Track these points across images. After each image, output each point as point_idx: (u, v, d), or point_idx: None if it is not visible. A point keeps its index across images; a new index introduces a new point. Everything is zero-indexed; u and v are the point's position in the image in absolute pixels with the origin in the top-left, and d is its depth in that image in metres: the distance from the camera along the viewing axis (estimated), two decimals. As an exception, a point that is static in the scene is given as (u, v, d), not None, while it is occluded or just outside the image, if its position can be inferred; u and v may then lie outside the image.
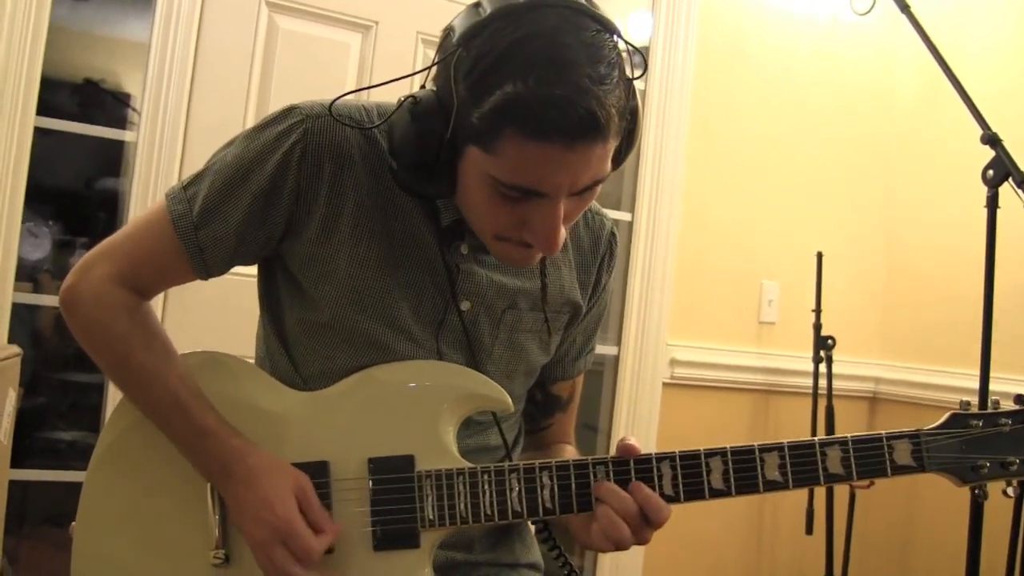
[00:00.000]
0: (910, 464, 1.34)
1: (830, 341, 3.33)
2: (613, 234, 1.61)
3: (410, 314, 1.42)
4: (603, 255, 1.59)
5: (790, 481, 1.33)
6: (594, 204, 1.57)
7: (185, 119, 2.76)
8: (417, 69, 2.96)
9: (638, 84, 1.29)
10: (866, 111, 3.77)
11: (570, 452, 1.64)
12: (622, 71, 1.22)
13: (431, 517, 1.34)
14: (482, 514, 1.34)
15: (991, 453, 1.34)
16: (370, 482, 1.36)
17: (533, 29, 1.17)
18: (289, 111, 1.39)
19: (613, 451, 1.35)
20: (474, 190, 1.27)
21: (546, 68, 1.14)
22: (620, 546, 1.32)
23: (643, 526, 1.31)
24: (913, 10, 2.52)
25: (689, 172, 3.42)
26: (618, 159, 1.30)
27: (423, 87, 1.31)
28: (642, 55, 1.27)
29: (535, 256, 1.31)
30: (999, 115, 2.36)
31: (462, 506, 1.34)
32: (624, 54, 1.24)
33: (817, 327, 3.36)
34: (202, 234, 1.40)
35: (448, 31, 1.26)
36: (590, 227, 1.57)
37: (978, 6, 3.55)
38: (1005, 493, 1.39)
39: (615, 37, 1.22)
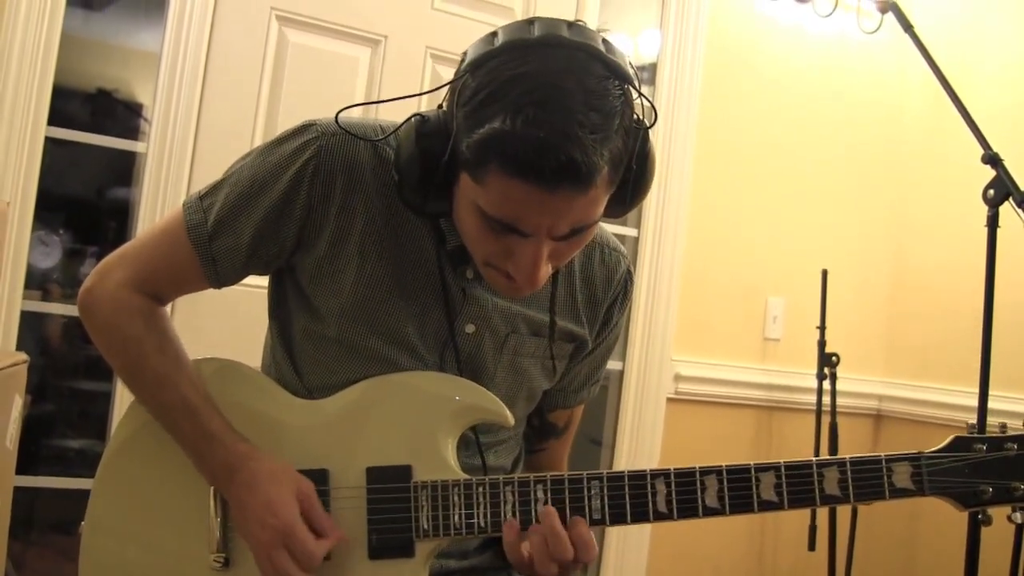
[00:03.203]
0: (909, 488, 1.31)
1: (834, 358, 3.33)
2: (629, 273, 1.59)
3: (415, 334, 1.43)
4: (616, 294, 1.58)
5: (785, 502, 1.32)
6: (612, 240, 1.58)
7: (195, 130, 2.78)
8: (425, 84, 3.01)
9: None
10: (873, 129, 3.78)
11: None
12: (627, 120, 1.21)
13: (426, 527, 1.35)
14: (476, 526, 1.34)
15: (994, 478, 1.30)
16: (367, 491, 1.37)
17: (536, 68, 1.18)
18: (306, 127, 1.40)
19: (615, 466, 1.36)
20: (465, 215, 1.28)
21: (536, 109, 1.14)
22: None
23: (572, 565, 1.31)
24: (918, 29, 2.53)
25: (695, 188, 3.43)
26: (622, 206, 1.31)
27: (440, 107, 1.32)
28: (654, 107, 1.27)
29: (519, 289, 1.30)
30: (1004, 134, 2.37)
31: (456, 517, 1.35)
32: (636, 102, 1.23)
33: (821, 344, 3.36)
34: (216, 245, 1.42)
35: (463, 55, 1.27)
36: (605, 263, 1.56)
37: (984, 26, 3.57)
38: (1010, 519, 1.35)
39: (626, 85, 1.22)
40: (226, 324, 2.60)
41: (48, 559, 2.96)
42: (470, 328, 1.45)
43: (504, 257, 1.27)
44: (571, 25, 1.23)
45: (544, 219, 1.21)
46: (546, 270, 1.27)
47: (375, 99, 2.96)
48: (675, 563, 3.42)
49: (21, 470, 2.03)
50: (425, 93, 1.45)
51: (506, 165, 1.16)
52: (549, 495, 1.33)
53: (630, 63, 1.25)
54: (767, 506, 1.32)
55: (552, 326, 1.48)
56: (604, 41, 1.24)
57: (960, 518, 2.13)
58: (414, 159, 1.28)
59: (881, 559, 3.57)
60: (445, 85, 1.30)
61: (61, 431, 3.09)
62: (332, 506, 1.38)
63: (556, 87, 1.16)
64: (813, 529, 3.32)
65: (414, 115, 1.31)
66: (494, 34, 1.24)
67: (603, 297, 1.56)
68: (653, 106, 1.27)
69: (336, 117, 1.38)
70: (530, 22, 1.24)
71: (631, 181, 1.28)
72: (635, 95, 1.24)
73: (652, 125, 1.27)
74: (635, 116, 1.25)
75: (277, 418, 1.44)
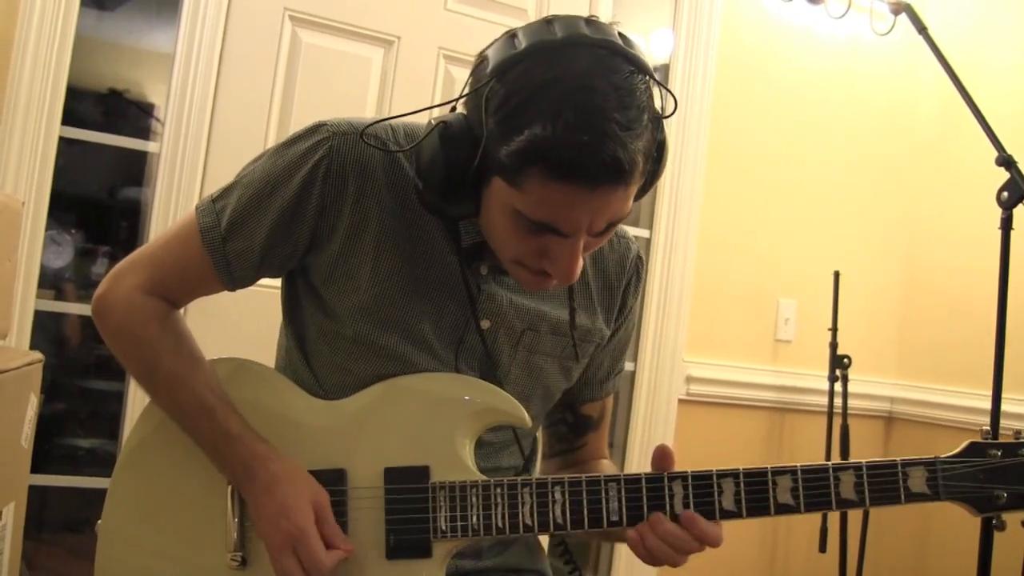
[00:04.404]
0: (924, 492, 1.31)
1: (846, 360, 3.32)
2: (639, 257, 1.61)
3: (431, 330, 1.43)
4: (628, 279, 1.59)
5: (802, 505, 1.33)
6: (620, 227, 1.58)
7: (208, 130, 2.79)
8: (438, 85, 3.02)
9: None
10: (885, 131, 3.77)
11: (606, 466, 1.65)
12: (652, 112, 1.23)
13: (443, 528, 1.35)
14: (494, 527, 1.35)
15: (1009, 484, 1.30)
16: (384, 491, 1.37)
17: (566, 70, 1.19)
18: (317, 128, 1.40)
19: (635, 464, 1.36)
20: (496, 217, 1.29)
21: (574, 113, 1.16)
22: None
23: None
24: (932, 31, 2.53)
25: (707, 189, 3.43)
26: (641, 192, 1.32)
27: (453, 110, 1.32)
28: (674, 96, 1.28)
29: (550, 284, 1.32)
30: (1018, 136, 2.36)
31: (474, 518, 1.35)
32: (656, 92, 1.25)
33: (833, 346, 3.36)
34: (229, 247, 1.42)
35: (482, 59, 1.27)
36: (615, 250, 1.57)
37: (998, 28, 3.56)
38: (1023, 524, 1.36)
39: (648, 78, 1.23)
40: (236, 325, 2.60)
41: (59, 557, 2.97)
42: (485, 324, 1.45)
43: (537, 256, 1.28)
44: (588, 22, 1.25)
45: (585, 217, 1.23)
46: (581, 262, 1.29)
47: (388, 99, 2.98)
48: (686, 566, 3.41)
49: (33, 469, 2.03)
50: (442, 104, 1.44)
51: (549, 170, 1.18)
52: (567, 496, 1.34)
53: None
54: (784, 509, 1.33)
55: (573, 317, 1.49)
56: (620, 35, 1.25)
57: (972, 519, 2.13)
58: (440, 167, 1.28)
59: (892, 560, 3.56)
60: (466, 95, 1.29)
61: (72, 430, 3.10)
62: (349, 505, 1.38)
63: (589, 88, 1.18)
64: (824, 531, 3.31)
65: (438, 122, 1.31)
66: (513, 35, 1.25)
67: (617, 283, 1.57)
68: (673, 96, 1.28)
69: (362, 134, 1.37)
70: (549, 22, 1.24)
71: (652, 168, 1.29)
72: (654, 84, 1.26)
73: (672, 114, 1.28)
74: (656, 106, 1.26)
75: (294, 418, 1.44)
